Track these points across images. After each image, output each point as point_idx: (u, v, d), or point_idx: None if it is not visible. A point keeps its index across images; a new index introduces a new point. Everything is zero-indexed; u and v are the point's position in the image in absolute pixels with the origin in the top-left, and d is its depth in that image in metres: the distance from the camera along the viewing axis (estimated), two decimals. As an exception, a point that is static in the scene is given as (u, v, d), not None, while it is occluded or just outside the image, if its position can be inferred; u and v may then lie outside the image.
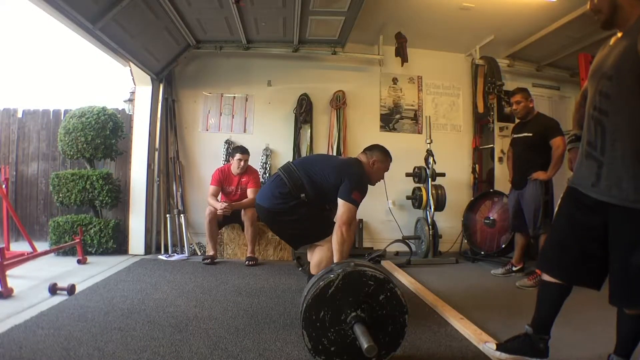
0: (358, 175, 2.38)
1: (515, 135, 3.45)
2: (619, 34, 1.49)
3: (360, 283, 1.64)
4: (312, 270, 2.38)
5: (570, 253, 1.58)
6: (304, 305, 1.64)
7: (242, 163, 3.90)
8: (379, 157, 2.56)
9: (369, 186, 2.46)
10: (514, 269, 3.46)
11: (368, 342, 1.47)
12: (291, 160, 2.91)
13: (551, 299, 1.68)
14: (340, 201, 2.27)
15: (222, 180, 3.96)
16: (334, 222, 2.31)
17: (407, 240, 4.19)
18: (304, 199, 2.33)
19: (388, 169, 2.64)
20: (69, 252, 3.78)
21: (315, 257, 2.37)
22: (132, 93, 4.57)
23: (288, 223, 2.41)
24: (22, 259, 2.90)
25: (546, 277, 1.67)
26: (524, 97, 3.30)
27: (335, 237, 2.22)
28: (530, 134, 3.25)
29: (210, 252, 3.83)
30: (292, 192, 2.33)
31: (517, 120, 3.52)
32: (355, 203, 2.26)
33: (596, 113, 1.48)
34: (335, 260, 2.20)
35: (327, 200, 2.37)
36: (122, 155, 4.40)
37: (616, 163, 1.41)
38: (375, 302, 1.64)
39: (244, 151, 3.95)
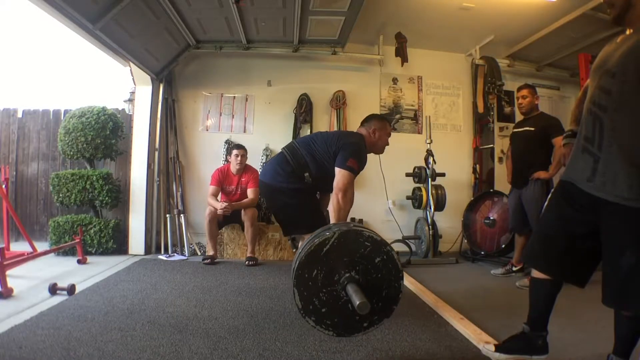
0: (355, 144, 2.39)
1: (515, 130, 3.46)
2: (628, 32, 1.48)
3: (356, 243, 1.59)
4: None
5: (557, 247, 1.57)
6: (297, 262, 1.59)
7: (239, 158, 3.91)
8: (377, 125, 2.58)
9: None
10: (514, 269, 3.46)
11: (361, 299, 1.43)
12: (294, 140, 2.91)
13: (542, 295, 1.68)
14: (336, 169, 2.27)
15: (222, 180, 3.97)
16: (327, 217, 2.31)
17: (407, 240, 4.19)
18: (307, 178, 2.33)
19: (390, 134, 2.67)
20: (69, 252, 3.78)
21: None
22: (132, 93, 4.57)
23: (284, 204, 2.42)
24: (22, 259, 2.90)
25: (535, 274, 1.68)
26: (531, 93, 3.33)
27: (331, 205, 2.22)
28: (532, 129, 3.26)
29: (210, 252, 3.83)
30: (296, 171, 2.34)
31: (518, 119, 3.52)
32: (351, 170, 2.26)
33: (595, 108, 1.48)
34: None
35: (331, 179, 2.37)
36: (122, 155, 4.40)
37: (613, 160, 1.41)
38: (371, 264, 1.59)
39: (240, 147, 3.99)
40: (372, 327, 1.64)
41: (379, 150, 2.62)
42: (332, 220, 2.21)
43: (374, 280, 1.60)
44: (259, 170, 4.42)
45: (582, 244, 1.51)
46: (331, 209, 2.22)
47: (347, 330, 1.64)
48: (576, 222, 1.53)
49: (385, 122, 2.66)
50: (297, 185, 2.35)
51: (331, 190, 2.39)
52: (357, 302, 1.43)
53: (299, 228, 2.47)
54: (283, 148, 2.50)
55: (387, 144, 2.66)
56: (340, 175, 2.25)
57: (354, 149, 2.33)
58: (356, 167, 2.28)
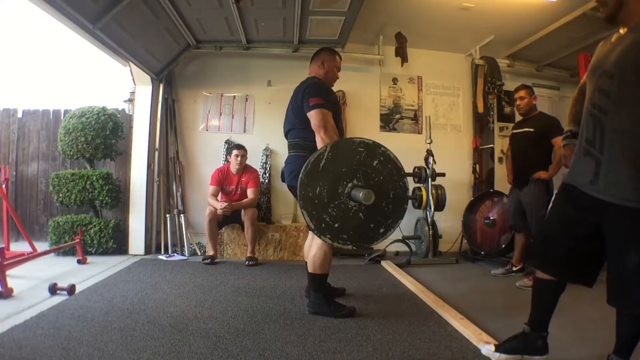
0: (310, 85, 2.39)
1: (515, 131, 3.46)
2: (622, 31, 1.47)
3: (350, 151, 1.59)
4: (309, 267, 2.37)
5: (561, 249, 1.57)
6: (299, 184, 1.58)
7: (239, 159, 3.91)
8: (326, 56, 2.56)
9: None
10: (514, 269, 3.46)
11: (362, 191, 1.43)
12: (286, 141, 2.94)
13: (545, 296, 1.68)
14: (308, 115, 2.27)
15: (222, 180, 3.97)
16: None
17: (407, 240, 4.18)
18: None
19: (339, 65, 2.63)
20: (69, 252, 3.78)
21: (311, 252, 2.33)
22: (132, 93, 4.57)
23: None
24: (22, 259, 2.90)
25: (539, 274, 1.68)
26: (528, 94, 3.33)
27: (318, 145, 2.19)
28: (532, 129, 3.26)
29: (210, 252, 3.83)
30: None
31: (517, 119, 3.53)
32: (318, 106, 2.24)
33: (595, 111, 1.48)
34: None
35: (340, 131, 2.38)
36: (122, 155, 4.41)
37: (615, 162, 1.41)
38: (370, 168, 1.58)
39: (239, 147, 4.00)
40: (389, 232, 1.62)
41: (329, 81, 2.57)
42: None
43: (378, 183, 1.58)
44: (259, 171, 4.43)
45: (586, 245, 1.51)
46: (319, 147, 2.19)
47: (365, 241, 1.63)
48: (580, 224, 1.53)
49: (335, 54, 2.62)
50: None
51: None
52: (360, 194, 1.42)
53: None
54: (289, 150, 2.50)
55: (337, 77, 2.63)
56: (312, 117, 2.24)
57: (310, 89, 2.34)
58: (321, 101, 2.27)
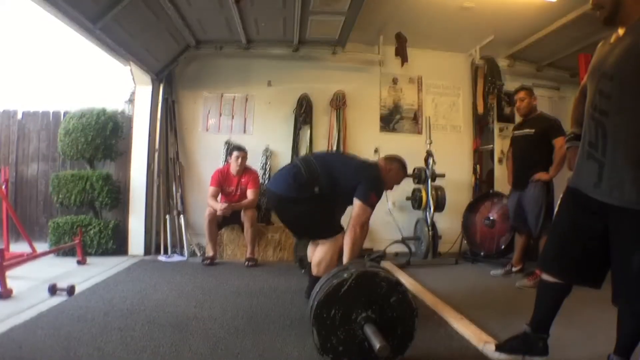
0: (377, 178, 2.44)
1: (515, 133, 3.46)
2: (620, 31, 1.47)
3: (373, 284, 1.64)
4: (313, 270, 2.38)
5: (571, 253, 1.57)
6: (316, 302, 1.63)
7: (239, 160, 3.91)
8: (396, 168, 2.64)
9: None
10: (514, 269, 3.46)
11: (380, 342, 1.46)
12: (305, 154, 2.87)
13: (551, 299, 1.68)
14: (356, 201, 2.29)
15: (222, 181, 3.97)
16: (339, 225, 2.32)
17: (406, 241, 4.18)
18: (317, 192, 2.34)
19: (399, 183, 2.72)
20: (68, 252, 3.77)
21: (316, 257, 2.37)
22: (132, 93, 4.57)
23: (294, 213, 2.43)
24: (21, 259, 2.90)
25: (546, 277, 1.67)
26: (528, 95, 3.34)
27: (347, 236, 2.25)
28: (532, 131, 3.26)
29: (210, 253, 3.83)
30: (308, 183, 2.35)
31: (517, 120, 3.53)
32: (372, 205, 2.31)
33: (596, 113, 1.47)
34: (345, 259, 2.23)
35: (340, 200, 2.43)
36: (122, 156, 4.40)
37: (618, 165, 1.40)
38: (386, 304, 1.63)
39: (240, 148, 3.99)
40: None
41: (388, 186, 2.65)
42: (346, 251, 2.25)
43: (390, 319, 1.64)
44: (259, 172, 4.43)
45: (594, 247, 1.51)
46: (347, 240, 2.26)
47: None
48: (587, 227, 1.53)
49: (405, 171, 2.73)
50: (306, 195, 2.36)
51: (336, 207, 2.45)
52: (377, 346, 1.47)
53: (310, 233, 2.54)
54: (297, 159, 2.52)
55: (390, 189, 2.74)
56: (361, 209, 2.28)
57: (376, 184, 2.40)
58: (374, 201, 2.35)
